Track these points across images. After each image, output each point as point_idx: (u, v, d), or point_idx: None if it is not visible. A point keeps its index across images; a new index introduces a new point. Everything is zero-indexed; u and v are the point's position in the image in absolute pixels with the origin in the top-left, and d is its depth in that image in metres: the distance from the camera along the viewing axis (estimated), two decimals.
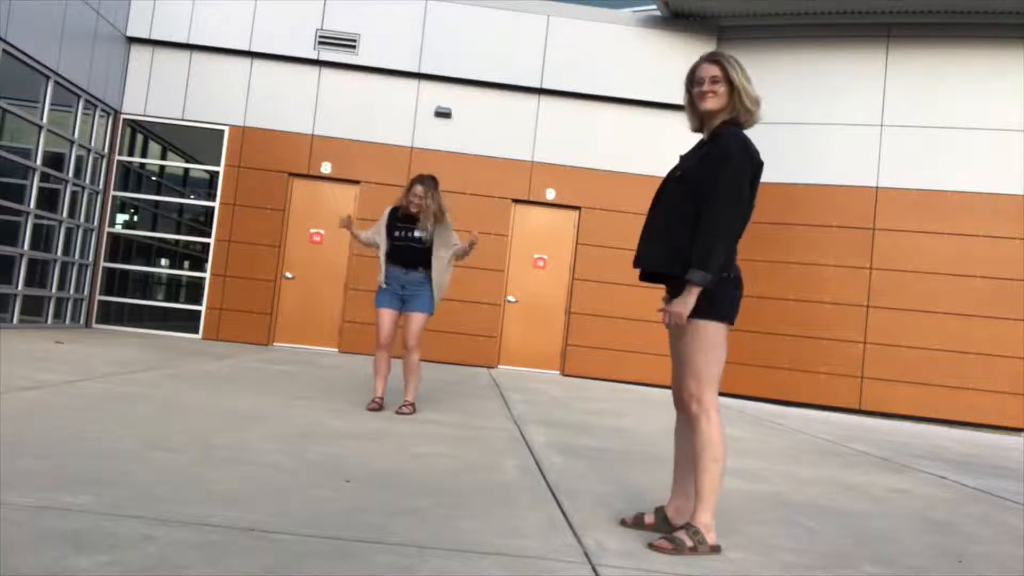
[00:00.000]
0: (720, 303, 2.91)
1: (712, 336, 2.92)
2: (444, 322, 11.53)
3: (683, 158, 3.15)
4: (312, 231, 11.89)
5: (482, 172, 11.90)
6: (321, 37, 11.78)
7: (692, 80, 3.08)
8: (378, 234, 6.04)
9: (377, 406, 5.83)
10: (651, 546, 2.85)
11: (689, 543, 2.82)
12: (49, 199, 10.56)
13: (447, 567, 2.41)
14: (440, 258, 5.94)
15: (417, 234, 5.88)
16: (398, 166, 11.81)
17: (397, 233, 5.94)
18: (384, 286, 5.98)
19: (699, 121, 3.14)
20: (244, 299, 11.67)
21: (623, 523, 3.15)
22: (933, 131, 10.85)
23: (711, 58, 3.05)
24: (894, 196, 10.90)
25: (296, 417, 5.16)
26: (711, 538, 2.85)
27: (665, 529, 3.01)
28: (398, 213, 5.99)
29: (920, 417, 10.41)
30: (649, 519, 3.12)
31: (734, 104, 3.00)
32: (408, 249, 5.91)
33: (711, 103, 3.00)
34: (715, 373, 2.95)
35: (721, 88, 2.98)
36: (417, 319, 5.95)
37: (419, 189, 5.85)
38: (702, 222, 2.86)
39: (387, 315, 5.94)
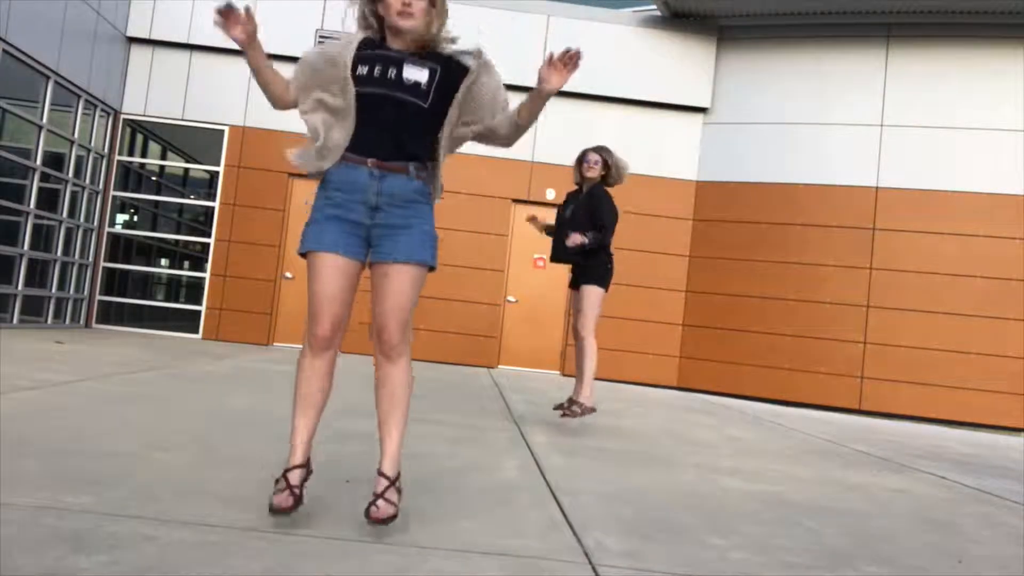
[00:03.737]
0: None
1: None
2: (444, 322, 11.54)
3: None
4: None
5: (482, 172, 11.88)
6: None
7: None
8: None
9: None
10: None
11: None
12: (49, 199, 10.55)
13: (447, 567, 2.41)
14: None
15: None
16: None
17: None
18: None
19: None
20: (244, 299, 11.66)
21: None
22: (933, 131, 10.84)
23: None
24: (894, 196, 10.89)
25: None
26: None
27: None
28: None
29: (920, 417, 10.40)
30: None
31: None
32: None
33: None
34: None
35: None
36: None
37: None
38: None
39: None
